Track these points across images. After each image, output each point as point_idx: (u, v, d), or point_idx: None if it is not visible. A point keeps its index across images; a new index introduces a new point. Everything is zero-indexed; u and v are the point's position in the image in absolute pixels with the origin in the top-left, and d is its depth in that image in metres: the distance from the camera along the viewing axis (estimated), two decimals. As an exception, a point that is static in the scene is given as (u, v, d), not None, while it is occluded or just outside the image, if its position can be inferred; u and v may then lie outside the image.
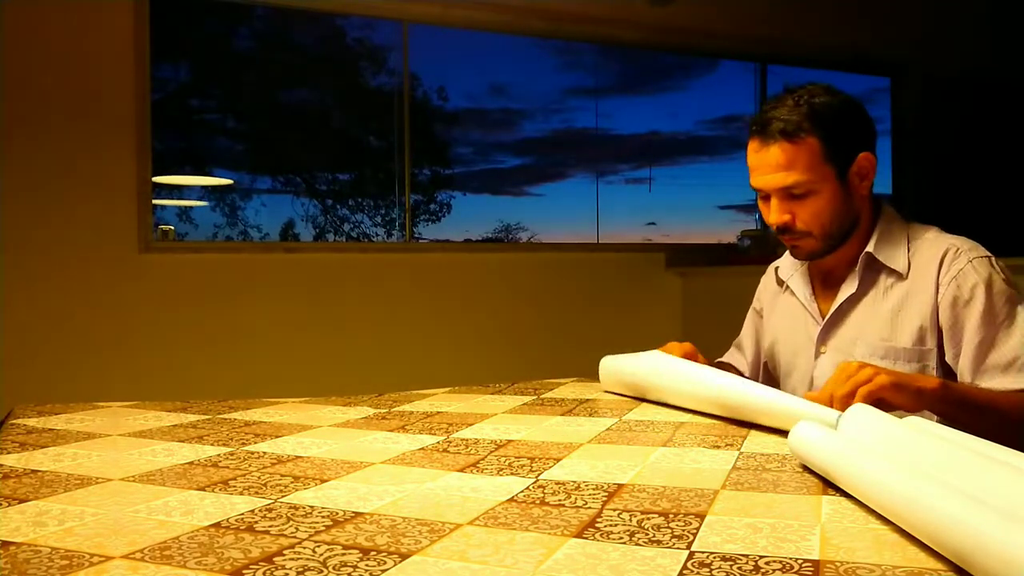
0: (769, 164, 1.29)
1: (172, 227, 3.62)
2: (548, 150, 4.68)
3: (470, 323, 3.85)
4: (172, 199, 3.85)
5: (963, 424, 1.12)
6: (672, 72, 4.90)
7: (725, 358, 1.68)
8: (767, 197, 1.33)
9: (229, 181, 4.03)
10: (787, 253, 1.54)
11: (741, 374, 1.62)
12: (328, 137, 4.22)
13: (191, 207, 3.94)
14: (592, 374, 1.66)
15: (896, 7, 4.69)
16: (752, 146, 1.32)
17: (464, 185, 4.49)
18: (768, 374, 1.60)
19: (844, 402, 1.08)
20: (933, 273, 1.29)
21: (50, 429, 1.19)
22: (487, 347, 3.83)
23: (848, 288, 1.37)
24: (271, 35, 4.10)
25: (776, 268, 1.55)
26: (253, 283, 3.49)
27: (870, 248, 1.34)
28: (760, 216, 1.55)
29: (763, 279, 1.63)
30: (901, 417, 0.98)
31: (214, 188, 3.99)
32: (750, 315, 1.64)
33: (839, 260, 1.39)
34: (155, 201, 3.50)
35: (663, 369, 1.29)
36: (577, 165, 4.73)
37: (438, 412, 1.33)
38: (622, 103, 4.82)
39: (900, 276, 1.32)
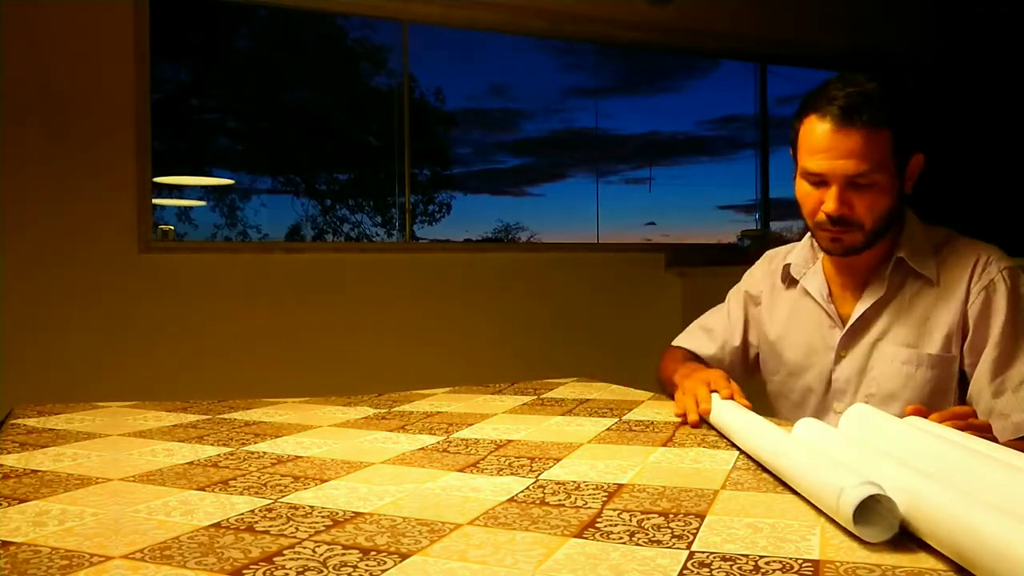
0: (845, 149, 1.24)
1: (172, 227, 3.62)
2: (548, 150, 4.67)
3: (470, 323, 3.84)
4: (172, 199, 3.84)
5: None
6: (672, 72, 4.90)
7: (685, 343, 1.60)
8: (822, 183, 1.28)
9: (229, 181, 4.03)
10: (797, 247, 1.49)
11: (703, 361, 1.55)
12: (328, 137, 4.21)
13: (191, 207, 3.94)
14: (591, 374, 1.66)
15: (896, 6, 4.68)
16: (825, 126, 1.26)
17: (464, 185, 4.48)
18: (747, 364, 1.55)
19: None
20: (964, 281, 1.28)
21: (50, 429, 1.19)
22: (487, 347, 3.82)
23: (876, 291, 1.34)
24: (271, 35, 4.09)
25: (787, 264, 1.49)
26: (253, 283, 3.49)
27: (902, 253, 1.33)
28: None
29: (760, 264, 1.58)
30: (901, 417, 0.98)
31: (214, 188, 3.98)
32: (739, 299, 1.58)
33: (862, 261, 1.36)
34: (155, 201, 3.49)
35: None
36: (577, 165, 4.72)
37: (438, 412, 1.33)
38: (622, 103, 4.82)
39: (929, 282, 1.31)
